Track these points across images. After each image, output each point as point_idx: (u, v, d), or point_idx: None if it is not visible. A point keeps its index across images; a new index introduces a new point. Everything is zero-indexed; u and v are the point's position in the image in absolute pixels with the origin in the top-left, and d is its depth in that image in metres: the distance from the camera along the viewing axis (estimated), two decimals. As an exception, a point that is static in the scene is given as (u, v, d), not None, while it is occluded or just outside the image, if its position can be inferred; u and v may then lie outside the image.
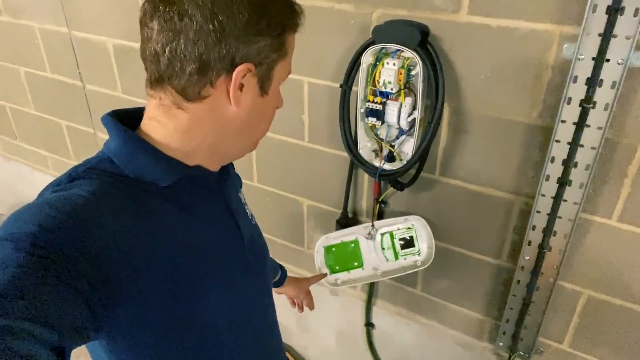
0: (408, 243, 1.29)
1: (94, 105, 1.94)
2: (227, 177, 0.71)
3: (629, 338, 1.15)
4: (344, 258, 1.32)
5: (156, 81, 0.59)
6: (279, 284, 1.15)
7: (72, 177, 0.56)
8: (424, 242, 1.27)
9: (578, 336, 1.22)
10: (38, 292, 0.42)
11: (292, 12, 0.60)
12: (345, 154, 1.34)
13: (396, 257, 1.29)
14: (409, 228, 1.28)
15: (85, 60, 1.84)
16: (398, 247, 1.29)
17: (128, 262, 0.51)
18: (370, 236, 1.30)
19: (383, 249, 1.30)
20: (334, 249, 1.32)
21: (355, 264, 1.31)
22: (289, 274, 1.17)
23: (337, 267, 1.32)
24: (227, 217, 0.70)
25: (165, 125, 0.59)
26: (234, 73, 0.56)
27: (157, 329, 0.57)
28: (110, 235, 0.51)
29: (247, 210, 0.80)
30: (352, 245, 1.32)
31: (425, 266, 1.27)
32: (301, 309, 1.23)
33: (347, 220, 1.41)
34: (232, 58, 0.55)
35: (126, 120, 0.61)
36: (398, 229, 1.29)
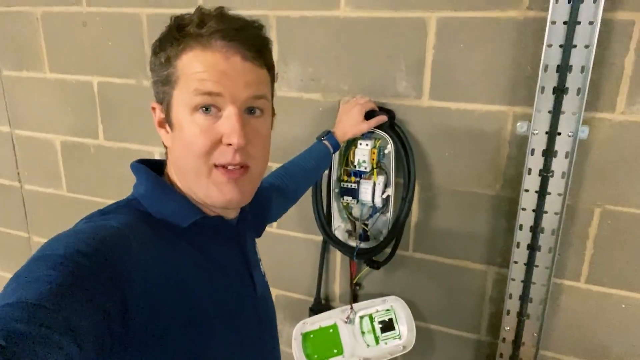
0: (388, 326, 1.25)
1: (31, 207, 1.80)
2: (246, 229, 0.72)
3: (613, 403, 1.16)
4: (323, 345, 1.25)
5: None
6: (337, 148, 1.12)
7: (104, 212, 0.60)
8: (404, 324, 1.25)
9: (565, 408, 1.21)
10: (68, 306, 0.43)
11: (171, 38, 0.59)
12: (316, 237, 1.33)
13: (377, 342, 1.25)
14: (387, 310, 1.26)
15: (26, 159, 1.74)
16: (378, 330, 1.25)
17: (146, 290, 0.53)
18: (349, 320, 1.25)
19: (363, 333, 1.25)
20: (312, 335, 1.25)
21: (335, 351, 1.24)
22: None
23: (315, 356, 1.24)
24: (243, 267, 0.71)
25: (170, 167, 0.67)
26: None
27: None
28: (136, 265, 0.53)
29: (261, 267, 0.79)
30: (331, 330, 1.26)
31: (407, 350, 1.23)
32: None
33: (320, 307, 1.36)
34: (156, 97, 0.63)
35: (153, 166, 0.66)
36: (377, 311, 1.26)
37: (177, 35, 0.58)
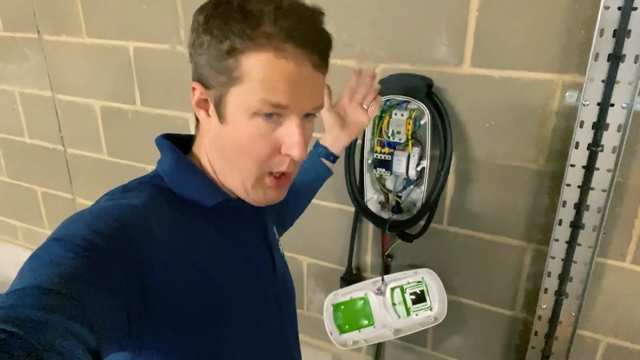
0: (419, 297, 1.24)
1: (74, 170, 1.87)
2: (266, 210, 0.71)
3: (653, 386, 1.12)
4: (354, 316, 1.25)
5: None
6: (333, 159, 0.96)
7: (126, 188, 0.58)
8: (436, 296, 1.23)
9: (600, 388, 1.18)
10: (85, 292, 0.42)
11: (242, 33, 0.52)
12: (348, 208, 1.32)
13: (408, 313, 1.24)
14: (419, 282, 1.24)
15: (68, 123, 1.79)
16: (409, 302, 1.24)
17: (166, 272, 0.52)
18: (380, 292, 1.24)
19: (394, 304, 1.25)
20: (342, 306, 1.26)
21: (366, 322, 1.25)
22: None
23: (346, 327, 1.25)
24: (264, 247, 0.71)
25: (200, 146, 0.64)
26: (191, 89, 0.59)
27: (181, 349, 0.55)
28: (156, 245, 0.52)
29: (280, 249, 0.79)
30: (362, 302, 1.26)
31: (439, 321, 1.22)
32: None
33: (352, 277, 1.36)
34: (194, 76, 0.58)
35: (178, 142, 0.64)
36: (408, 283, 1.24)
37: (248, 28, 0.52)
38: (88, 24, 1.56)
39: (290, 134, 0.56)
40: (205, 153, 0.63)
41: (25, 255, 2.18)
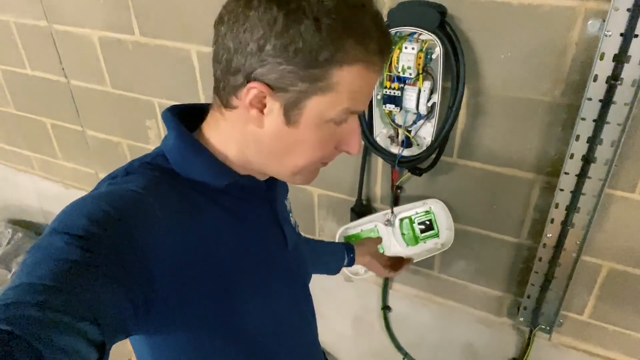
0: (427, 227, 1.28)
1: (80, 102, 1.85)
2: (275, 184, 0.70)
3: (649, 306, 1.18)
4: (365, 247, 1.31)
5: (214, 84, 0.60)
6: (350, 264, 1.13)
7: (128, 171, 0.57)
8: (443, 225, 1.27)
9: (598, 307, 1.24)
10: (86, 286, 0.42)
11: (339, 47, 0.50)
12: (358, 141, 1.31)
13: (416, 242, 1.29)
14: (427, 212, 1.27)
15: (68, 54, 1.74)
16: (418, 231, 1.28)
17: (171, 258, 0.52)
18: (389, 223, 1.28)
19: (403, 234, 1.29)
20: (353, 238, 1.31)
21: (376, 251, 1.30)
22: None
23: (357, 257, 1.31)
24: (273, 223, 0.70)
25: (216, 129, 0.62)
26: (245, 88, 0.54)
27: (194, 330, 0.57)
28: (158, 232, 0.51)
29: (292, 218, 0.79)
30: (372, 233, 1.30)
31: (446, 248, 1.26)
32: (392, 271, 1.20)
33: (361, 208, 1.39)
34: (247, 72, 0.53)
35: (186, 117, 0.63)
36: (417, 214, 1.28)
37: (349, 41, 0.50)
38: (75, -53, 1.45)
39: (352, 132, 0.59)
40: (231, 139, 0.60)
41: (42, 184, 2.25)
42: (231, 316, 0.60)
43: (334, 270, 1.12)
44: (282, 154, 0.59)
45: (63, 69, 1.79)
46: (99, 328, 0.42)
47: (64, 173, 2.15)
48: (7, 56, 1.90)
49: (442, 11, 1.02)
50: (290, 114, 0.55)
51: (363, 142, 1.26)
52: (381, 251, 1.30)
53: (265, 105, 0.55)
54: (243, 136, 0.59)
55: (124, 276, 0.46)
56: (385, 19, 1.07)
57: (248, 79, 0.53)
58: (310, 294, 0.83)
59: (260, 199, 0.68)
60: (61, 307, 0.39)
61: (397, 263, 1.21)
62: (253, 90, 0.53)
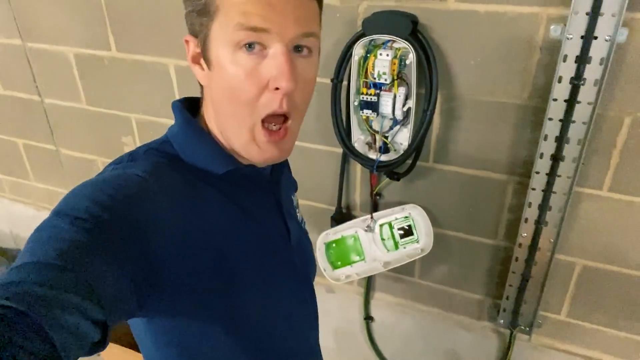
0: (407, 232, 1.30)
1: (54, 120, 1.83)
2: (281, 177, 0.70)
3: (622, 302, 1.21)
4: (345, 253, 1.31)
5: None
6: None
7: (133, 156, 0.57)
8: (422, 230, 1.29)
9: (575, 305, 1.28)
10: (88, 266, 0.42)
11: None
12: (336, 149, 1.33)
13: (396, 247, 1.30)
14: (406, 217, 1.29)
15: (42, 72, 1.73)
16: (397, 236, 1.30)
17: (173, 242, 0.52)
18: (370, 228, 1.30)
19: (383, 240, 1.30)
20: (334, 244, 1.32)
21: (357, 257, 1.31)
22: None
23: (339, 263, 1.32)
24: (276, 215, 0.69)
25: (205, 108, 0.62)
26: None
27: (195, 316, 0.57)
28: (160, 216, 0.51)
29: (298, 214, 0.78)
30: (352, 239, 1.31)
31: (425, 253, 1.28)
32: None
33: (341, 216, 1.40)
34: (189, 27, 0.57)
35: (194, 106, 0.63)
36: (396, 219, 1.29)
37: None
38: (51, -35, 1.47)
39: (275, 64, 0.52)
40: (211, 115, 0.61)
41: (13, 207, 2.19)
42: (231, 303, 0.60)
43: None
44: (223, 111, 0.57)
45: (37, 87, 1.77)
46: (102, 307, 0.42)
47: (36, 195, 2.10)
48: (-22, 76, 1.87)
49: (414, 20, 1.07)
50: (206, 55, 0.55)
51: (342, 150, 1.28)
52: (361, 258, 1.31)
53: (201, 60, 0.57)
54: (211, 107, 0.60)
55: (126, 258, 0.46)
56: (360, 27, 1.11)
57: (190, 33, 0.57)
58: (314, 292, 0.81)
59: (263, 189, 0.67)
60: (65, 285, 0.39)
61: None
62: (188, 45, 0.57)
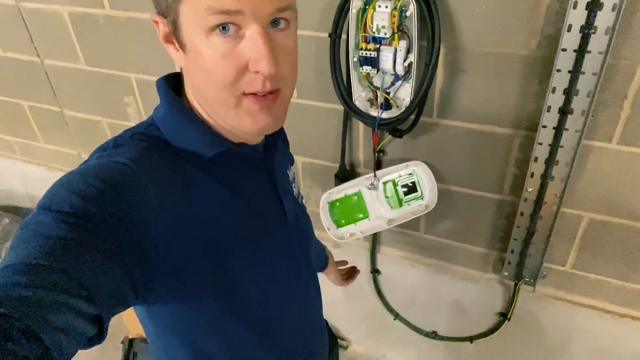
0: (411, 189, 1.29)
1: (56, 81, 1.81)
2: (275, 153, 0.68)
3: (628, 253, 1.20)
4: (349, 211, 1.31)
5: None
6: (324, 267, 1.15)
7: (117, 143, 0.56)
8: (426, 186, 1.27)
9: (580, 257, 1.27)
10: (76, 262, 0.41)
11: None
12: (338, 107, 1.30)
13: (400, 204, 1.30)
14: (410, 174, 1.28)
15: (39, 33, 1.69)
16: (401, 194, 1.29)
17: (164, 230, 0.51)
18: (373, 186, 1.29)
19: (387, 197, 1.30)
20: (337, 203, 1.31)
21: (361, 215, 1.31)
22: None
23: (342, 221, 1.32)
24: (271, 194, 0.68)
25: (187, 88, 0.60)
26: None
27: (195, 300, 0.57)
28: (148, 204, 0.50)
29: (294, 189, 0.77)
30: (356, 197, 1.31)
31: (430, 209, 1.28)
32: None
33: (345, 173, 1.39)
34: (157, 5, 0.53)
35: (180, 82, 0.60)
36: (400, 176, 1.28)
37: None
38: None
39: (253, 46, 0.49)
40: (193, 95, 0.59)
41: (26, 168, 2.22)
42: (230, 286, 0.59)
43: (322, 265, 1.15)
44: (201, 91, 0.55)
45: (35, 48, 1.74)
46: (94, 303, 0.41)
47: (46, 156, 2.12)
48: (-24, 38, 1.84)
49: (414, -33, 1.00)
50: (178, 38, 0.52)
51: (343, 108, 1.25)
52: (365, 216, 1.31)
53: (173, 39, 0.54)
54: (191, 86, 0.58)
55: (116, 250, 0.45)
56: (357, -23, 1.05)
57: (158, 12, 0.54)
58: (314, 269, 0.81)
59: (256, 168, 0.66)
60: (52, 285, 0.39)
61: (350, 273, 1.25)
62: (157, 25, 0.54)
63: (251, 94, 0.53)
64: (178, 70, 0.63)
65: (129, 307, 0.50)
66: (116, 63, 1.61)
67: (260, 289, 0.64)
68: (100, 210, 0.45)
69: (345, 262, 1.27)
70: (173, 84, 0.60)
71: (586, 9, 0.91)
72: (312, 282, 0.80)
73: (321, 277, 0.92)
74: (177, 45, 0.53)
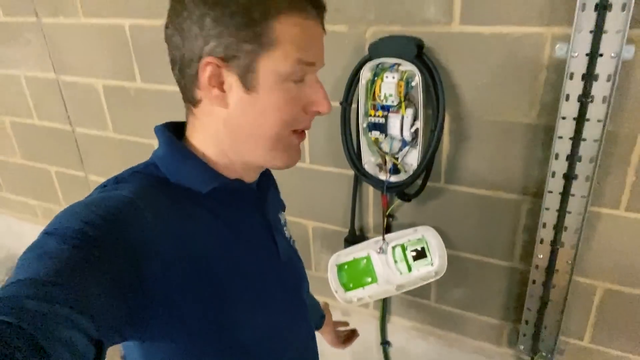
0: (420, 254, 1.28)
1: (84, 148, 1.92)
2: (267, 193, 0.71)
3: (648, 327, 1.16)
4: (357, 275, 1.31)
5: (181, 94, 0.63)
6: (319, 325, 1.14)
7: (118, 179, 0.58)
8: (436, 252, 1.27)
9: (597, 330, 1.22)
10: (81, 283, 0.43)
11: None
12: (348, 172, 1.35)
13: (409, 270, 1.29)
14: (419, 239, 1.28)
15: (73, 103, 1.83)
16: (410, 259, 1.28)
17: (162, 263, 0.52)
18: (382, 250, 1.29)
19: (395, 262, 1.29)
20: (346, 266, 1.31)
21: (369, 279, 1.30)
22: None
23: (351, 285, 1.31)
24: (264, 231, 0.70)
25: (194, 132, 0.63)
26: (199, 70, 0.55)
27: (187, 338, 0.57)
28: (148, 236, 0.52)
29: (286, 232, 0.79)
30: (364, 261, 1.31)
31: (440, 276, 1.26)
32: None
33: (355, 238, 1.40)
34: (199, 55, 0.55)
35: (178, 130, 0.64)
36: (409, 241, 1.29)
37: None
38: (84, 4, 1.57)
39: (315, 91, 0.59)
40: (207, 136, 0.61)
41: (46, 232, 2.28)
42: (223, 324, 0.60)
43: (317, 323, 1.13)
44: (253, 129, 0.59)
45: (69, 117, 1.88)
46: (96, 326, 0.42)
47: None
48: (17, 108, 1.99)
49: (418, 44, 1.09)
50: (247, 79, 0.55)
51: (353, 172, 1.29)
52: (374, 280, 1.30)
53: (223, 82, 0.56)
54: (215, 127, 0.60)
55: (117, 277, 0.46)
56: (366, 52, 1.14)
57: (200, 61, 0.55)
58: (308, 313, 0.80)
59: (250, 205, 0.68)
60: (60, 299, 0.40)
61: (349, 336, 1.25)
62: (208, 67, 0.55)
63: (297, 131, 0.62)
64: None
65: (124, 338, 0.50)
66: (142, 131, 1.71)
67: (254, 325, 0.64)
68: (104, 237, 0.47)
69: (346, 323, 1.24)
70: (171, 130, 0.64)
71: (582, 80, 0.96)
72: (306, 326, 0.79)
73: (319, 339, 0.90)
74: (224, 86, 0.56)
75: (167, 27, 0.59)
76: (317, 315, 1.12)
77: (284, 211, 0.83)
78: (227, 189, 0.63)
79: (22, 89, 1.92)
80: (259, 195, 0.70)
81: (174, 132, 0.64)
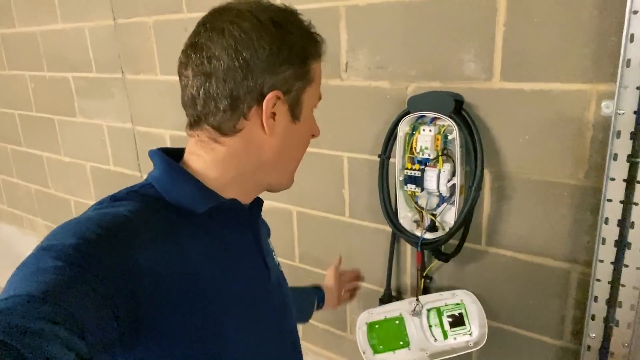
0: (457, 321, 1.19)
1: (148, 194, 2.05)
2: (258, 215, 0.73)
3: None
4: (389, 336, 1.23)
5: (195, 122, 0.64)
6: (321, 302, 1.14)
7: (115, 198, 0.59)
8: (475, 320, 1.18)
9: None
10: (73, 300, 0.42)
11: (312, 42, 0.63)
12: (387, 228, 1.32)
13: (445, 337, 1.20)
14: (457, 304, 1.20)
15: (144, 151, 1.99)
16: (447, 325, 1.20)
17: (156, 279, 0.52)
18: (416, 312, 1.22)
19: (430, 326, 1.21)
20: (377, 326, 1.25)
21: (401, 343, 1.22)
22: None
23: (380, 347, 1.23)
24: (256, 252, 0.70)
25: (204, 157, 0.63)
26: (264, 102, 0.59)
27: (176, 355, 0.55)
28: (144, 253, 0.52)
29: (275, 258, 0.79)
30: (397, 322, 1.23)
31: (478, 347, 1.16)
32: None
33: (390, 299, 1.34)
34: (260, 89, 0.59)
35: (171, 155, 0.66)
36: (446, 305, 1.21)
37: (310, 43, 0.63)
38: (161, 62, 1.76)
39: (314, 119, 0.70)
40: (217, 160, 0.62)
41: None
42: (212, 341, 0.59)
43: (306, 316, 1.11)
44: (292, 151, 0.67)
45: (139, 164, 2.04)
46: (87, 344, 0.41)
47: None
48: (97, 155, 2.21)
49: (457, 99, 1.09)
50: (295, 112, 0.64)
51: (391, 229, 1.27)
52: (406, 344, 1.21)
53: (275, 113, 0.61)
54: (251, 153, 0.62)
55: (109, 293, 0.46)
56: (405, 106, 1.15)
57: (262, 94, 0.59)
58: (298, 337, 0.79)
59: (243, 225, 0.68)
60: (50, 317, 0.39)
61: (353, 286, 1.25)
62: (271, 101, 0.59)
63: None
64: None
65: (114, 356, 0.49)
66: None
67: (244, 347, 0.63)
68: (98, 253, 0.48)
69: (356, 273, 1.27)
70: (165, 152, 0.66)
71: (630, 138, 0.90)
72: (292, 350, 0.76)
73: None
74: (275, 118, 0.62)
75: (186, 66, 0.62)
76: (311, 306, 1.12)
77: (270, 237, 0.84)
78: (222, 208, 0.63)
79: (104, 137, 2.13)
80: (251, 216, 0.70)
81: (170, 154, 0.66)
